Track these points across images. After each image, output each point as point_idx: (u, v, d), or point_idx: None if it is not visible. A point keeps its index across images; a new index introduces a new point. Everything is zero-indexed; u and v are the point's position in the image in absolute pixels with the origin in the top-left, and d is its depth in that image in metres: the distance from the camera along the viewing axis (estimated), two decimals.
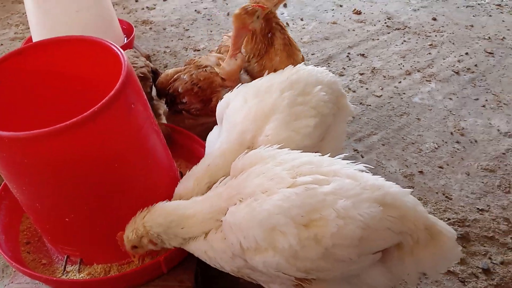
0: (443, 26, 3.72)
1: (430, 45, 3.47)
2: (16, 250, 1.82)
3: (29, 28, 3.52)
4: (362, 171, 1.40)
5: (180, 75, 2.15)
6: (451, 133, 2.61)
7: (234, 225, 1.32)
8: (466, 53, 3.36)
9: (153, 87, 2.25)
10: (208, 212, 1.43)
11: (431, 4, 4.07)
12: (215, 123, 1.90)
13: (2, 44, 3.71)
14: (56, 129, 1.24)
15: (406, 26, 3.73)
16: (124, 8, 4.15)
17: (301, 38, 3.57)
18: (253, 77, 2.08)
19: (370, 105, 2.85)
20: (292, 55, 2.16)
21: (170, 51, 3.48)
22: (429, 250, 1.35)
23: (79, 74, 1.63)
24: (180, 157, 2.23)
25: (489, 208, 2.16)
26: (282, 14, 3.89)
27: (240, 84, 1.90)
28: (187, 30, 3.77)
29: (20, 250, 1.83)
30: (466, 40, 3.52)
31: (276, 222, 1.26)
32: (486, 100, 2.88)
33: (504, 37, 3.55)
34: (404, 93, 2.95)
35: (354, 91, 2.97)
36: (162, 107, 2.35)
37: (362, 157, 2.46)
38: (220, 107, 1.83)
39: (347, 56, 3.35)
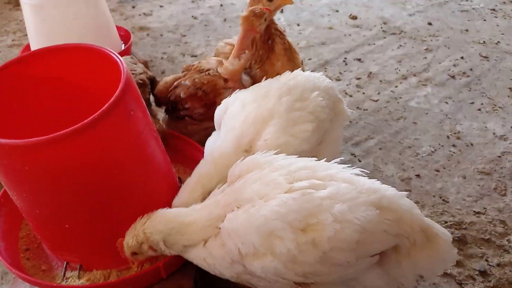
0: (438, 31, 3.75)
1: (425, 49, 3.50)
2: (16, 256, 1.82)
3: (26, 35, 3.54)
4: (358, 175, 1.42)
5: (180, 81, 2.16)
6: (448, 137, 2.64)
7: (232, 231, 1.34)
8: (462, 57, 3.39)
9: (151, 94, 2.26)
10: (207, 219, 1.44)
11: (426, 9, 4.11)
12: None
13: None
14: (56, 136, 1.26)
15: (402, 31, 3.76)
16: (121, 15, 4.17)
17: (298, 43, 3.59)
18: (255, 82, 2.09)
19: (367, 110, 2.87)
20: (292, 59, 2.20)
21: (168, 57, 3.49)
22: (426, 252, 1.36)
23: (78, 82, 1.65)
24: (178, 162, 2.24)
25: (485, 210, 2.18)
26: (279, 19, 3.92)
27: (239, 88, 1.93)
28: (184, 36, 3.79)
29: (19, 257, 1.84)
30: (461, 45, 3.56)
31: (274, 227, 1.27)
32: (482, 104, 2.90)
33: (498, 41, 3.58)
34: (400, 97, 2.98)
35: (351, 96, 3.00)
36: (160, 112, 2.36)
37: (360, 161, 2.48)
38: (218, 112, 1.85)
39: (344, 61, 3.38)
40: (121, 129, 1.44)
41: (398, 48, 3.53)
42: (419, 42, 3.61)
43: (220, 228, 1.40)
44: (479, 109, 2.86)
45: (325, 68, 3.30)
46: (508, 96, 2.97)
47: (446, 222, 2.11)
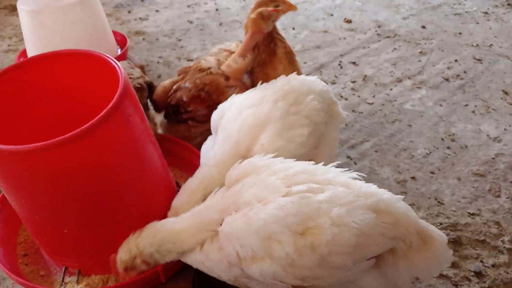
0: (432, 34, 3.79)
1: (420, 52, 3.53)
2: (14, 262, 1.82)
3: (22, 40, 3.54)
4: (355, 178, 1.43)
5: (180, 84, 2.16)
6: (442, 139, 2.66)
7: (231, 234, 1.34)
8: (455, 60, 3.42)
9: (148, 98, 2.26)
10: (198, 224, 1.45)
11: (420, 13, 4.15)
12: None
13: None
14: (56, 142, 1.27)
15: (396, 34, 3.80)
16: (117, 19, 4.18)
17: (293, 47, 3.57)
18: (255, 85, 2.10)
19: (362, 113, 2.89)
20: (292, 63, 2.24)
21: (164, 61, 3.51)
22: (422, 254, 1.38)
23: (76, 87, 1.66)
24: (175, 166, 2.26)
25: (480, 212, 2.20)
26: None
27: (240, 87, 1.95)
28: (180, 40, 3.81)
29: (17, 262, 1.84)
30: (455, 47, 3.59)
31: (272, 230, 1.28)
32: (476, 106, 2.94)
33: (491, 44, 3.62)
34: (395, 100, 3.00)
35: (346, 99, 3.02)
36: (159, 116, 2.36)
37: (355, 164, 2.49)
38: (215, 117, 1.86)
39: (339, 64, 3.40)
40: (120, 134, 1.45)
41: (393, 51, 3.57)
42: (413, 45, 3.64)
43: (216, 231, 1.41)
44: (473, 111, 2.89)
45: (321, 71, 3.32)
46: (502, 98, 3.01)
47: (441, 223, 2.13)
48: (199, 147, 1.99)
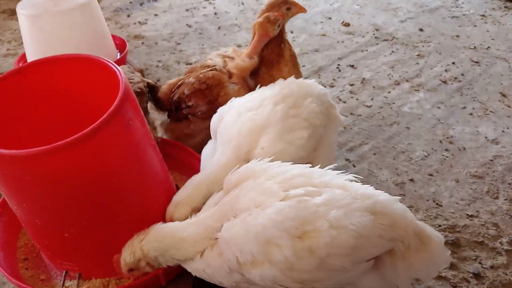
0: (429, 37, 3.81)
1: (417, 55, 3.55)
2: (14, 266, 1.83)
3: (21, 44, 3.55)
4: (352, 181, 1.44)
5: (184, 80, 2.19)
6: (440, 141, 2.68)
7: (230, 240, 1.35)
8: (453, 63, 3.44)
9: (149, 101, 2.27)
10: (202, 232, 1.46)
11: (418, 16, 4.17)
12: None
13: None
14: (57, 146, 1.28)
15: (394, 37, 3.82)
16: (116, 23, 4.19)
17: None
18: (260, 86, 2.12)
19: (360, 115, 2.91)
20: (296, 65, 2.28)
21: (163, 65, 3.52)
22: (420, 255, 1.39)
23: (77, 92, 1.67)
24: (175, 170, 2.27)
25: (478, 214, 2.21)
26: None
27: (243, 85, 1.99)
28: (179, 44, 3.82)
29: (18, 267, 1.85)
30: (452, 50, 3.62)
31: (271, 235, 1.29)
32: (473, 108, 2.95)
33: (489, 47, 3.64)
34: (393, 103, 3.02)
35: (344, 102, 3.03)
36: (158, 119, 2.38)
37: (354, 166, 2.51)
38: (213, 121, 1.87)
39: (337, 67, 3.42)
40: (120, 138, 1.46)
41: (391, 54, 3.58)
42: (411, 48, 3.66)
43: (216, 239, 1.42)
44: (471, 114, 2.90)
45: (319, 74, 3.34)
46: (499, 101, 3.02)
47: (440, 225, 2.14)
48: (198, 146, 2.00)
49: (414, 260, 1.39)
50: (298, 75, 2.30)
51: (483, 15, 4.15)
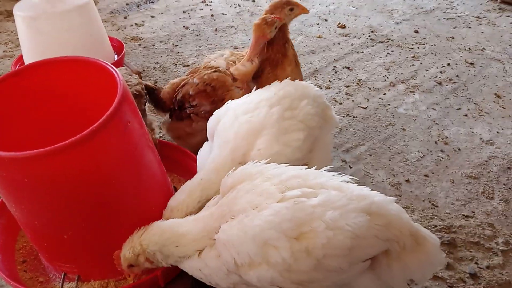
0: (425, 38, 3.84)
1: (413, 57, 3.58)
2: (13, 269, 1.84)
3: (18, 46, 3.56)
4: (348, 182, 1.46)
5: (188, 80, 2.20)
6: (436, 142, 2.70)
7: (227, 242, 1.36)
8: (448, 64, 3.47)
9: (147, 103, 2.28)
10: (201, 230, 1.47)
11: (413, 17, 4.21)
12: None
13: None
14: (55, 148, 1.29)
15: (389, 39, 3.84)
16: (113, 25, 4.20)
17: None
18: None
19: (356, 117, 2.92)
20: (298, 65, 2.32)
21: (160, 67, 3.53)
22: (415, 255, 1.40)
23: (75, 94, 1.68)
24: (173, 171, 2.28)
25: (474, 214, 2.23)
26: None
27: (246, 89, 2.03)
28: (176, 46, 3.83)
29: (16, 269, 1.85)
30: (448, 52, 3.64)
31: (268, 236, 1.30)
32: (468, 110, 2.98)
33: (483, 48, 3.68)
34: (389, 104, 3.04)
35: (340, 103, 3.05)
36: (156, 121, 2.38)
37: (350, 167, 2.52)
38: (210, 123, 1.88)
39: (333, 69, 3.44)
40: (118, 140, 1.47)
41: (386, 56, 3.61)
42: (406, 49, 3.69)
43: (214, 239, 1.43)
44: (466, 115, 2.93)
45: (315, 76, 3.35)
46: (494, 102, 3.05)
47: (435, 226, 2.16)
48: (199, 145, 2.01)
49: (409, 261, 1.40)
50: (300, 74, 2.34)
51: (478, 17, 4.18)
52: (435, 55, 3.60)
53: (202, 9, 4.49)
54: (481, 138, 2.72)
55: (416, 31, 3.95)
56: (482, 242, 2.09)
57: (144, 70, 3.46)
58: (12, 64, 3.25)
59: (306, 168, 1.52)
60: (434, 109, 2.99)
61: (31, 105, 1.66)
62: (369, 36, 3.90)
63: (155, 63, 3.58)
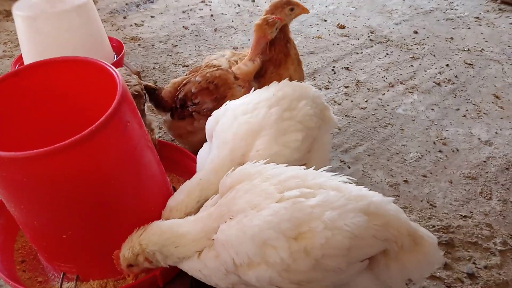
0: (424, 39, 3.85)
1: (412, 57, 3.59)
2: (12, 268, 1.84)
3: (17, 46, 3.56)
4: (346, 182, 1.46)
5: (190, 78, 2.21)
6: (434, 143, 2.71)
7: (226, 242, 1.37)
8: (447, 65, 3.48)
9: (146, 103, 2.28)
10: (200, 231, 1.47)
11: (412, 18, 4.21)
12: None
13: None
14: (55, 148, 1.29)
15: (388, 40, 3.85)
16: (112, 25, 4.20)
17: None
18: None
19: (355, 117, 2.93)
20: (300, 63, 2.33)
21: (159, 67, 3.53)
22: (413, 255, 1.41)
23: (75, 94, 1.68)
24: (172, 171, 2.28)
25: (472, 214, 2.24)
26: None
27: (248, 88, 2.05)
28: (175, 46, 3.84)
29: (15, 269, 1.86)
30: (447, 52, 3.65)
31: (267, 236, 1.31)
32: (467, 110, 2.99)
33: (482, 49, 3.68)
34: (388, 105, 3.05)
35: (339, 104, 3.06)
36: (156, 121, 2.39)
37: (349, 167, 2.53)
38: (209, 124, 1.89)
39: (332, 69, 3.45)
40: (118, 140, 1.48)
41: (385, 56, 3.62)
42: (406, 50, 3.70)
43: (213, 239, 1.43)
44: (464, 115, 2.94)
45: (314, 77, 3.36)
46: (492, 102, 3.06)
47: (434, 226, 2.16)
48: (200, 144, 2.01)
49: (407, 261, 1.40)
50: (302, 72, 2.35)
51: (477, 18, 4.19)
52: (434, 55, 3.61)
53: (202, 9, 4.50)
54: (479, 139, 2.73)
55: (415, 32, 3.96)
56: (480, 242, 2.10)
57: (143, 70, 3.47)
58: (12, 64, 3.26)
59: (305, 169, 1.53)
60: (432, 109, 3.00)
61: (30, 105, 1.67)
62: (368, 36, 3.91)
63: (155, 63, 3.58)
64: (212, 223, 1.45)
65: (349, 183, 1.46)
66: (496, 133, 2.78)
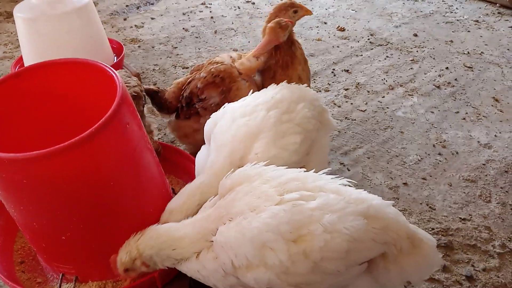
0: (424, 42, 3.86)
1: (411, 60, 3.59)
2: (11, 269, 1.84)
3: (18, 47, 3.56)
4: (346, 185, 1.47)
5: (194, 75, 2.23)
6: (433, 146, 2.71)
7: (225, 244, 1.37)
8: (447, 68, 3.49)
9: (146, 105, 2.28)
10: (197, 233, 1.48)
11: (412, 21, 4.22)
12: None
13: None
14: (55, 150, 1.29)
15: (388, 42, 3.86)
16: (112, 27, 4.21)
17: None
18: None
19: (355, 120, 2.94)
20: (306, 62, 2.34)
21: (159, 69, 3.54)
22: (412, 258, 1.41)
23: (75, 96, 1.69)
24: (171, 173, 2.28)
25: (471, 217, 2.24)
26: None
27: (251, 83, 2.11)
28: (175, 48, 3.84)
29: (14, 270, 1.86)
30: (446, 55, 3.66)
31: (266, 239, 1.31)
32: (466, 113, 2.99)
33: (482, 52, 3.69)
34: (387, 107, 3.05)
35: (339, 106, 3.06)
36: (155, 123, 2.39)
37: (349, 170, 2.53)
38: (207, 127, 1.89)
39: (332, 72, 3.45)
40: (117, 141, 1.48)
41: (385, 59, 3.62)
42: (405, 53, 3.70)
43: (211, 241, 1.44)
44: (464, 118, 2.94)
45: (314, 79, 3.36)
46: (492, 105, 3.06)
47: (433, 229, 2.17)
48: (203, 142, 2.02)
49: (406, 263, 1.41)
50: (308, 70, 2.37)
51: (477, 21, 4.20)
52: (434, 58, 3.61)
53: (202, 11, 4.51)
54: (478, 142, 2.73)
55: (415, 35, 3.97)
56: (479, 245, 2.10)
57: (143, 72, 3.47)
58: (12, 65, 3.26)
59: (304, 171, 1.53)
60: (432, 112, 3.00)
61: (31, 107, 1.67)
62: (368, 39, 3.92)
63: (155, 65, 3.59)
64: (210, 224, 1.45)
65: (349, 186, 1.46)
66: (495, 136, 2.78)
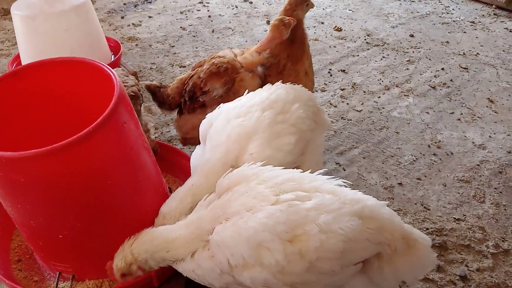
0: (420, 43, 3.88)
1: (407, 61, 3.61)
2: (8, 267, 1.85)
3: (15, 44, 3.55)
4: (341, 186, 1.48)
5: (197, 70, 2.23)
6: (428, 146, 2.73)
7: (222, 243, 1.38)
8: (442, 69, 3.51)
9: (143, 104, 2.29)
10: (191, 233, 1.48)
11: (409, 21, 4.24)
12: None
13: None
14: (53, 148, 1.30)
15: (384, 43, 3.88)
16: (110, 25, 4.20)
17: None
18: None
19: (351, 120, 2.95)
20: (310, 57, 2.37)
21: (156, 67, 3.54)
22: (407, 258, 1.42)
23: (72, 95, 1.69)
24: (168, 172, 2.29)
25: (465, 217, 2.26)
26: (265, 31, 3.99)
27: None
28: (172, 46, 3.85)
29: (11, 268, 1.86)
30: (442, 56, 3.68)
31: (262, 239, 1.32)
32: (461, 114, 3.01)
33: (478, 53, 3.72)
34: (383, 108, 3.07)
35: (335, 106, 3.08)
36: (152, 122, 2.39)
37: (344, 170, 2.55)
38: (203, 127, 1.89)
39: (329, 72, 3.47)
40: (115, 140, 1.49)
41: (381, 59, 3.64)
42: (402, 53, 3.72)
43: (207, 241, 1.44)
44: (459, 119, 2.96)
45: None
46: (487, 106, 3.09)
47: (427, 229, 2.19)
48: None
49: (400, 263, 1.42)
50: (311, 66, 2.39)
51: (473, 22, 4.23)
52: (429, 59, 3.64)
53: (199, 10, 4.51)
54: (473, 143, 2.76)
55: (412, 35, 3.99)
56: (473, 245, 2.12)
57: (140, 70, 3.48)
58: (9, 63, 3.25)
59: (300, 172, 1.54)
60: (427, 113, 3.02)
61: (28, 105, 1.67)
62: (365, 39, 3.93)
63: (152, 63, 3.59)
64: (205, 224, 1.46)
65: (345, 186, 1.48)
66: (490, 137, 2.80)
